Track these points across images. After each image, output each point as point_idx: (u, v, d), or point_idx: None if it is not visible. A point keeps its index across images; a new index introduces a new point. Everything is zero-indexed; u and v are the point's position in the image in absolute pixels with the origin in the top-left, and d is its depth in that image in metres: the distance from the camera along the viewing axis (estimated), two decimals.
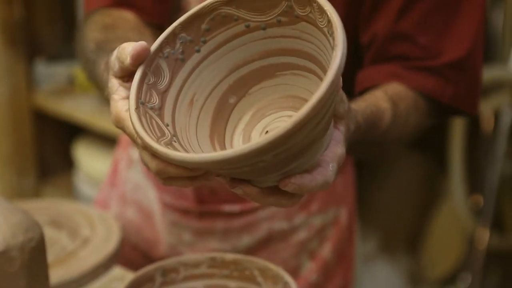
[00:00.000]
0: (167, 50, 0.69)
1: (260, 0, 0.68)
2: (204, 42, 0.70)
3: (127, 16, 1.00)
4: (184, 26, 0.69)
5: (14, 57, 2.20)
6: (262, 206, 1.11)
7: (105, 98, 0.78)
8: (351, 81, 1.00)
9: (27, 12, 2.23)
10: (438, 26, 0.95)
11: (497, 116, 2.17)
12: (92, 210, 1.16)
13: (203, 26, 0.70)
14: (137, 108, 0.66)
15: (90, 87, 2.23)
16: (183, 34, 0.69)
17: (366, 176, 2.13)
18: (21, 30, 2.20)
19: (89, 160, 2.16)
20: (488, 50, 2.09)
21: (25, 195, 2.31)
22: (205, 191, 1.12)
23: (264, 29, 0.69)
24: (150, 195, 1.17)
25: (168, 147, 0.65)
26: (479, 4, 0.96)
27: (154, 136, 0.66)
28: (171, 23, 0.70)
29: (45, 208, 1.16)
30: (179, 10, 1.05)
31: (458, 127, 2.10)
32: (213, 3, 0.69)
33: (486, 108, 2.12)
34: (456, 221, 2.15)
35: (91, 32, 0.96)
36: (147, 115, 0.67)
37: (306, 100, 0.68)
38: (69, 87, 2.28)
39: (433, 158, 2.26)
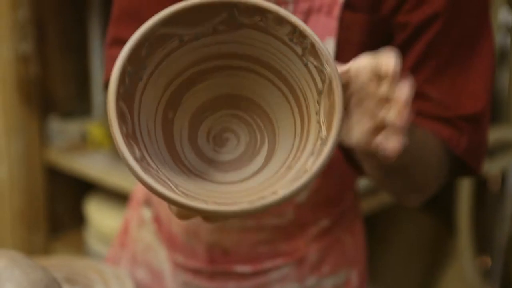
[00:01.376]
0: (121, 90, 0.67)
1: (196, 12, 0.68)
2: (144, 68, 0.70)
3: None
4: (129, 59, 0.68)
5: (28, 114, 2.23)
6: (274, 267, 1.11)
7: None
8: None
9: (42, 69, 2.26)
10: (451, 81, 0.95)
11: (503, 177, 2.18)
12: (106, 267, 1.16)
13: (143, 53, 0.69)
14: (136, 161, 0.65)
15: (102, 144, 2.24)
16: (129, 68, 0.68)
17: (374, 236, 2.13)
18: (36, 88, 2.23)
19: (100, 217, 2.15)
20: (494, 111, 2.10)
21: (35, 251, 2.30)
22: (217, 250, 1.12)
23: (197, 39, 0.70)
24: (161, 256, 1.17)
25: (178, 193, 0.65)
26: (490, 62, 0.97)
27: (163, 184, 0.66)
28: None
29: (59, 264, 1.17)
30: None
31: (465, 188, 2.10)
32: (149, 27, 0.68)
33: (493, 169, 2.13)
34: (464, 282, 2.13)
35: None
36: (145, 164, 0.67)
37: (237, 95, 0.72)
38: (81, 144, 2.30)
39: (440, 218, 2.26)
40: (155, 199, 1.18)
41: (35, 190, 2.29)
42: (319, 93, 0.70)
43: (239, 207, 0.64)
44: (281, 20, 0.69)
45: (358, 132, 0.71)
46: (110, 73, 1.03)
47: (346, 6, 0.97)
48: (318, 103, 0.70)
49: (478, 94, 0.95)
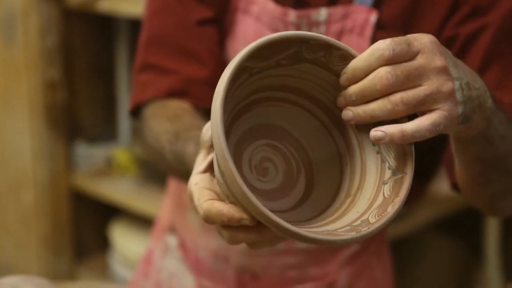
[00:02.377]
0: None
1: (272, 46, 0.69)
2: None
3: (183, 106, 1.01)
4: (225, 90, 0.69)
5: (55, 139, 2.24)
6: None
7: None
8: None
9: (69, 95, 2.27)
10: None
11: None
12: None
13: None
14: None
15: (128, 169, 2.25)
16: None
17: (400, 263, 2.11)
18: (62, 113, 2.24)
19: (125, 242, 2.15)
20: None
21: (59, 276, 2.29)
22: (247, 275, 1.11)
23: (261, 72, 0.71)
24: (187, 282, 1.15)
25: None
26: None
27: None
28: None
29: None
30: None
31: None
32: (238, 61, 0.68)
33: None
34: None
35: (160, 124, 0.98)
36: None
37: (271, 125, 0.74)
38: (107, 169, 2.30)
39: (468, 245, 2.23)
40: (180, 225, 1.17)
41: (60, 215, 2.30)
42: None
43: (349, 236, 0.66)
44: (346, 58, 0.70)
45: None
46: (139, 98, 1.04)
47: (378, 26, 0.97)
48: None
49: None
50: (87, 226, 2.40)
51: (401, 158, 0.70)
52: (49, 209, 2.26)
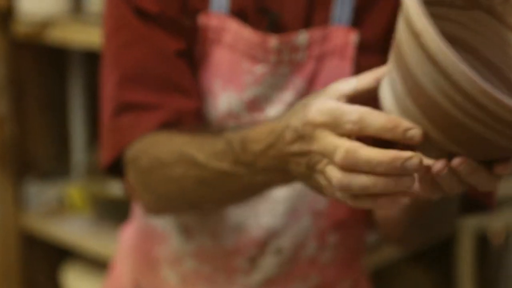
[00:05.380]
0: None
1: None
2: None
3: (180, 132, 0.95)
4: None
5: (3, 178, 2.17)
6: None
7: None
8: None
9: (19, 129, 2.21)
10: None
11: (507, 232, 2.13)
12: None
13: None
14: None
15: (82, 208, 2.17)
16: None
17: None
18: (11, 150, 2.18)
19: (79, 285, 2.09)
20: None
21: None
22: None
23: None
24: None
25: None
26: None
27: None
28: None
29: None
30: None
31: (466, 244, 2.06)
32: None
33: (497, 223, 2.09)
34: None
35: (173, 140, 0.92)
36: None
37: None
38: (59, 208, 2.23)
39: (440, 276, 2.21)
40: (151, 285, 1.08)
41: (9, 258, 2.21)
42: None
43: None
44: None
45: None
46: (121, 143, 0.96)
47: (360, 48, 0.95)
48: None
49: None
50: (38, 269, 2.31)
51: None
52: None
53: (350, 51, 0.94)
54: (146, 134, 0.94)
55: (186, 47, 0.96)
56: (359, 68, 0.94)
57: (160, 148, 0.92)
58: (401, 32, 0.64)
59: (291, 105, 0.95)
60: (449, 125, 0.64)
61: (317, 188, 0.73)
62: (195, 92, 0.96)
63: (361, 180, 0.67)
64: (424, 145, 0.67)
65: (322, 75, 0.96)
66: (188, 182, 0.88)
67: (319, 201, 1.00)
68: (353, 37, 0.94)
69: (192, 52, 0.98)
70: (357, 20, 0.95)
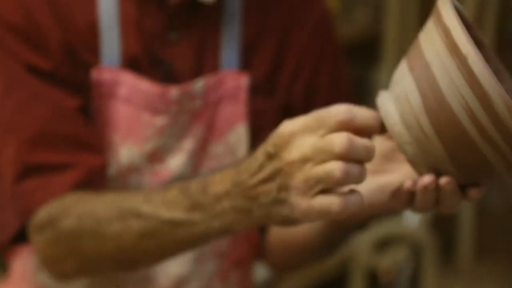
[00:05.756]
0: None
1: None
2: None
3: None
4: None
5: None
6: None
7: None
8: None
9: None
10: None
11: (396, 269, 2.17)
12: None
13: None
14: None
15: None
16: None
17: None
18: None
19: None
20: None
21: None
22: None
23: None
24: None
25: None
26: None
27: None
28: None
29: None
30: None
31: (357, 279, 2.09)
32: None
33: (386, 261, 2.13)
34: None
35: (94, 204, 0.88)
36: None
37: None
38: None
39: None
40: None
41: None
42: None
43: None
44: None
45: None
46: (29, 211, 0.90)
47: (252, 91, 0.96)
48: None
49: None
50: None
51: None
52: None
53: (243, 94, 0.96)
54: (59, 196, 0.90)
55: (83, 102, 0.94)
56: (252, 110, 0.96)
57: (90, 205, 0.88)
58: (432, 52, 0.67)
59: (192, 152, 0.96)
60: (460, 144, 0.67)
61: (286, 216, 0.72)
62: (100, 147, 0.94)
63: (358, 168, 0.68)
64: (418, 157, 0.70)
65: (219, 120, 0.97)
66: (128, 237, 0.84)
67: (222, 242, 1.00)
68: (244, 80, 0.96)
69: (88, 108, 0.95)
70: (245, 63, 0.97)
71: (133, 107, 0.95)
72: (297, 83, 0.99)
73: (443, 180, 0.71)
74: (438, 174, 0.71)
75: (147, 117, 0.94)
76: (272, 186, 0.71)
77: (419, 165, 0.71)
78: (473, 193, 0.73)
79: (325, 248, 0.94)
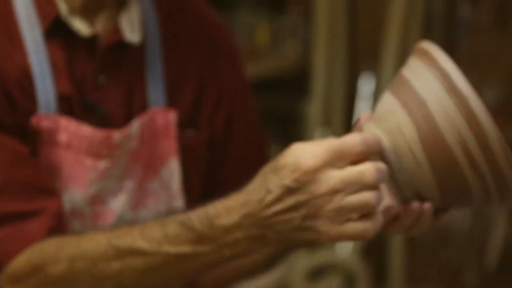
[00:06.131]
0: None
1: None
2: None
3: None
4: None
5: None
6: None
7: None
8: None
9: None
10: None
11: None
12: None
13: None
14: None
15: None
16: None
17: None
18: None
19: None
20: None
21: None
22: None
23: None
24: None
25: None
26: None
27: None
28: None
29: None
30: None
31: None
32: None
33: None
34: None
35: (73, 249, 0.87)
36: None
37: None
38: None
39: None
40: None
41: None
42: None
43: None
44: None
45: None
46: (3, 263, 0.89)
47: (179, 126, 1.00)
48: None
49: None
50: None
51: None
52: None
53: (172, 130, 0.99)
54: (35, 243, 0.90)
55: (31, 149, 0.94)
56: (181, 144, 1.00)
57: (79, 247, 0.87)
58: (428, 91, 0.75)
59: (131, 192, 0.98)
60: (449, 173, 0.74)
61: (310, 240, 0.76)
62: (56, 191, 0.94)
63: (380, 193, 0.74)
64: (406, 183, 0.76)
65: (153, 157, 0.99)
66: (129, 274, 0.83)
67: None
68: (172, 116, 1.00)
69: (35, 154, 0.95)
70: (171, 100, 1.01)
71: (74, 153, 0.95)
72: (218, 115, 1.04)
73: (427, 205, 0.76)
74: (420, 198, 0.77)
75: (90, 162, 0.95)
76: (294, 215, 0.74)
77: (405, 190, 0.77)
78: (443, 217, 0.79)
79: (265, 266, 0.98)
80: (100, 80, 0.97)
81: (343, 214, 0.73)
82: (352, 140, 0.73)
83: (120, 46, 0.97)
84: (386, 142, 0.76)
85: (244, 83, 1.10)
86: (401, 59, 2.27)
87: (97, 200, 0.97)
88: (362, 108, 2.34)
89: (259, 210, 0.75)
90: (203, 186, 1.05)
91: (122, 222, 0.97)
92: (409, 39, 2.26)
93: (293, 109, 2.43)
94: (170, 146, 0.99)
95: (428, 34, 2.27)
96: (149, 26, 0.99)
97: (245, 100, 1.09)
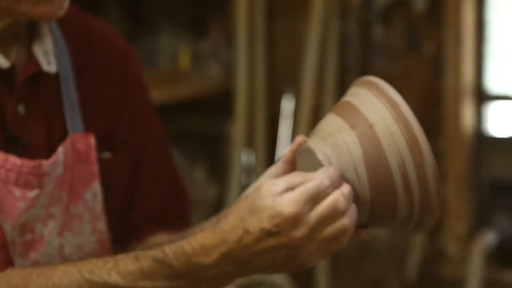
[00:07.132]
0: None
1: None
2: None
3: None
4: None
5: None
6: None
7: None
8: None
9: None
10: None
11: None
12: None
13: None
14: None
15: None
16: None
17: None
18: None
19: None
20: None
21: None
22: None
23: None
24: None
25: None
26: None
27: None
28: None
29: None
30: None
31: None
32: None
33: None
34: None
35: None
36: None
37: None
38: None
39: None
40: None
41: None
42: None
43: None
44: None
45: None
46: None
47: (98, 149, 1.01)
48: None
49: None
50: None
51: None
52: None
53: (93, 154, 1.01)
54: None
55: None
56: (101, 167, 1.01)
57: (50, 280, 0.86)
58: (376, 116, 0.82)
59: (58, 217, 0.98)
60: (385, 193, 0.81)
61: (295, 265, 0.80)
62: None
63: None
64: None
65: (76, 181, 1.00)
66: None
67: None
68: (91, 140, 1.01)
69: None
70: (88, 125, 1.02)
71: (2, 184, 0.95)
72: (133, 137, 1.06)
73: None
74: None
75: (19, 192, 0.95)
76: (275, 255, 0.79)
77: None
78: (364, 234, 0.84)
79: None
80: (19, 111, 0.97)
81: (324, 246, 0.79)
82: (322, 183, 0.79)
83: (37, 76, 0.98)
84: (333, 156, 0.83)
85: (151, 104, 1.12)
86: (319, 79, 2.35)
87: (27, 229, 0.96)
88: (284, 127, 2.39)
89: (238, 250, 0.79)
90: (122, 208, 1.06)
91: (52, 248, 0.98)
92: (326, 60, 2.33)
93: (217, 130, 2.45)
94: (91, 169, 1.01)
95: (344, 56, 2.35)
96: (61, 55, 1.01)
97: (155, 121, 1.11)
